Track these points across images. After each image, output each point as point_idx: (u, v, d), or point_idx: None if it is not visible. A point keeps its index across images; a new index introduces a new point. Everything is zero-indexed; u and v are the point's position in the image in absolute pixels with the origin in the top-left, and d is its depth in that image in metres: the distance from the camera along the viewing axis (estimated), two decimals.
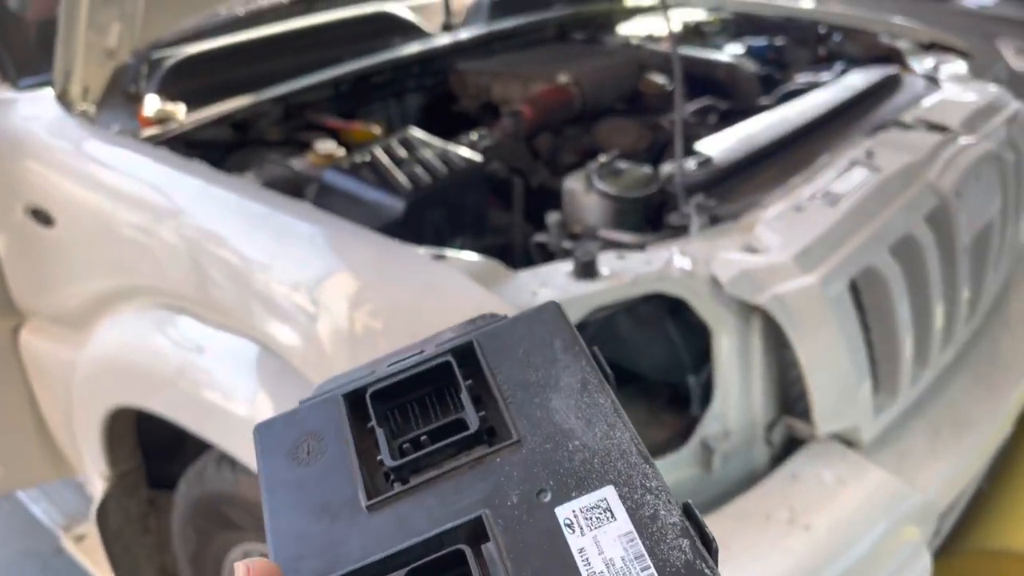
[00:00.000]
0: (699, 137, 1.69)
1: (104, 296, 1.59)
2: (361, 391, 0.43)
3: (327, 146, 1.67)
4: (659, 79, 2.07)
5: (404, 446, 0.41)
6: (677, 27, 2.42)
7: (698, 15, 2.60)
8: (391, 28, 2.26)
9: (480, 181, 1.62)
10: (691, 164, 1.53)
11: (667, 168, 1.54)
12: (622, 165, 1.57)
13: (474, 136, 1.79)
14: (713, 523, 1.35)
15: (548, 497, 0.38)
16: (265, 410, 1.35)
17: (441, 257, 1.27)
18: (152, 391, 1.51)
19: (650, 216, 1.54)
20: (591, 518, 0.37)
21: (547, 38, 2.37)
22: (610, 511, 0.37)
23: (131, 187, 1.52)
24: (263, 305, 1.35)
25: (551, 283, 1.27)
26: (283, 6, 2.15)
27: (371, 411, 0.42)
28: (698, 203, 1.41)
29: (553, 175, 1.78)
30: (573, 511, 0.37)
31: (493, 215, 1.68)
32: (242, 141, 1.81)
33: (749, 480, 1.42)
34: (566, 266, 1.30)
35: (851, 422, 1.40)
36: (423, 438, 0.41)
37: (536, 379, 0.43)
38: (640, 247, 1.38)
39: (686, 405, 1.48)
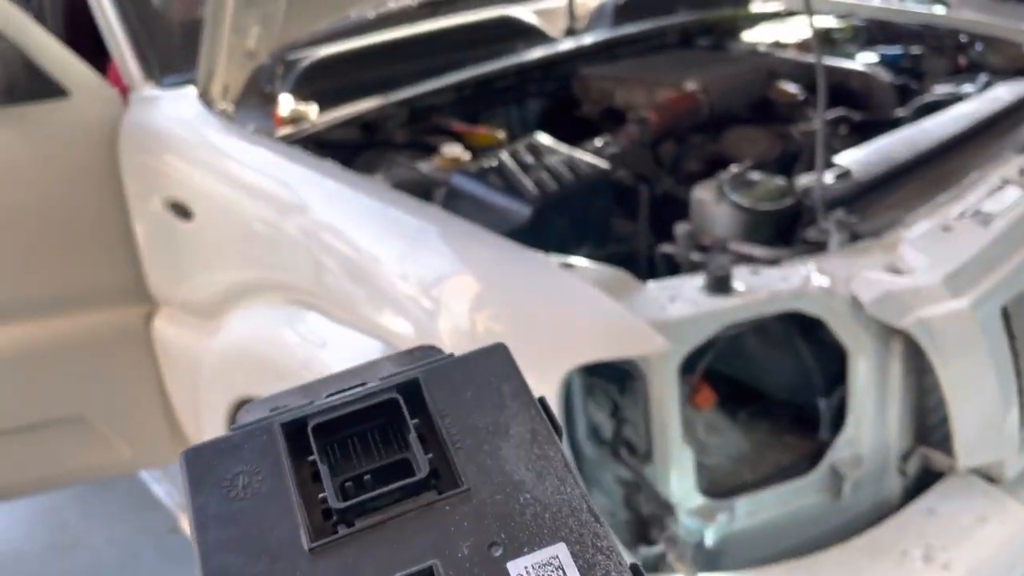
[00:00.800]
0: (832, 149, 1.62)
1: (236, 289, 1.64)
2: (301, 422, 0.41)
3: (453, 150, 1.68)
4: (790, 87, 2.01)
5: (346, 484, 0.39)
6: (808, 34, 2.34)
7: (828, 22, 2.51)
8: (515, 33, 2.27)
9: (606, 188, 1.60)
10: (829, 177, 1.48)
11: (804, 180, 1.49)
12: (755, 176, 1.52)
13: (599, 143, 1.78)
14: (843, 555, 1.30)
15: (500, 551, 0.37)
16: None
17: (569, 266, 1.25)
18: (278, 383, 1.55)
19: (782, 230, 1.49)
20: (543, 575, 0.36)
21: (671, 44, 2.33)
22: (562, 569, 0.36)
23: (267, 185, 1.57)
24: (386, 302, 1.37)
25: (681, 297, 1.24)
26: (410, 10, 2.18)
27: (313, 445, 0.40)
28: (838, 219, 1.35)
29: (677, 184, 1.75)
30: (525, 567, 0.36)
31: (616, 223, 1.66)
32: (370, 142, 1.84)
33: (878, 511, 1.35)
34: (697, 280, 1.26)
35: (995, 456, 1.32)
36: (366, 478, 0.39)
37: (484, 425, 0.41)
38: (774, 262, 1.33)
39: (812, 428, 1.43)
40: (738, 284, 1.23)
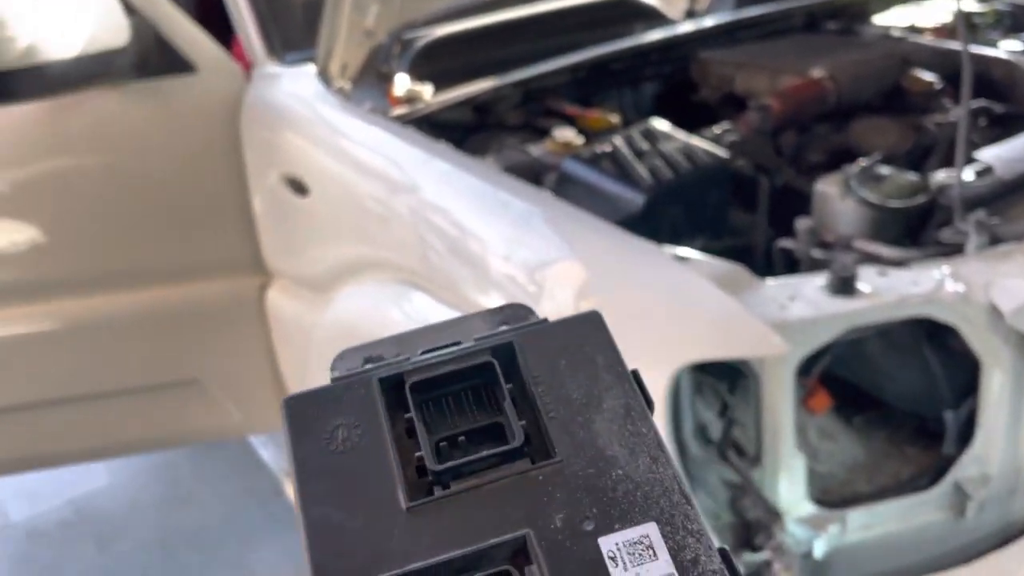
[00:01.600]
0: (972, 143, 1.51)
1: (346, 265, 1.67)
2: (398, 378, 0.41)
3: (566, 134, 1.65)
4: (926, 76, 1.89)
5: (440, 445, 0.39)
6: (947, 19, 2.19)
7: (970, 5, 2.34)
8: (632, 14, 2.21)
9: (724, 178, 1.54)
10: (969, 174, 1.38)
11: (940, 176, 1.39)
12: (885, 170, 1.44)
13: (718, 130, 1.71)
14: None
15: (591, 526, 0.36)
16: None
17: (683, 258, 1.21)
18: None
19: (912, 229, 1.40)
20: (634, 553, 0.35)
21: (796, 27, 2.22)
22: (652, 549, 0.35)
23: (379, 164, 1.58)
24: (489, 285, 1.36)
25: (802, 297, 1.18)
26: None
27: (410, 403, 0.40)
28: (978, 219, 1.26)
29: (799, 176, 1.67)
30: (616, 544, 0.36)
31: (732, 215, 1.60)
32: (481, 124, 1.83)
33: (1005, 534, 1.27)
34: (819, 279, 1.20)
35: None
36: (460, 439, 0.40)
37: (578, 396, 0.40)
38: (903, 264, 1.25)
39: (935, 440, 1.34)
40: (863, 285, 1.17)
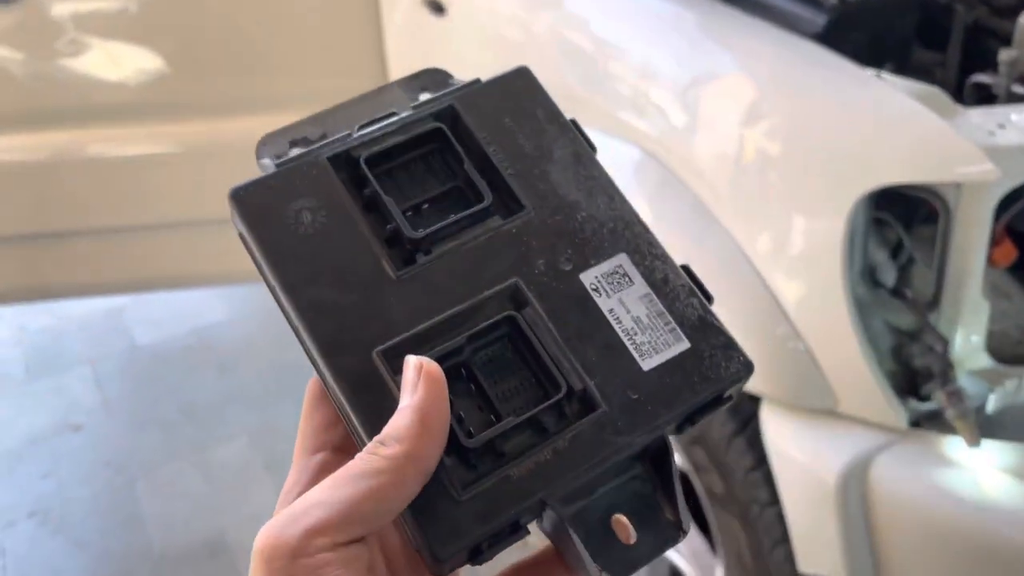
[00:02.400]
0: None
1: None
2: (346, 155, 0.40)
3: None
4: None
5: (407, 215, 0.40)
6: None
7: None
8: None
9: (914, 6, 1.38)
10: None
11: None
12: None
13: None
14: None
15: (570, 266, 0.39)
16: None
17: (879, 75, 1.09)
18: None
19: None
20: (612, 282, 0.39)
21: None
22: (627, 276, 0.39)
23: None
24: (644, 105, 1.27)
25: (1012, 125, 1.04)
26: None
27: (369, 177, 0.40)
28: None
29: (992, 14, 1.49)
30: (595, 277, 0.39)
31: (916, 52, 1.44)
32: None
33: None
34: None
35: None
36: (424, 207, 0.41)
37: (529, 150, 0.42)
38: None
39: None
40: None
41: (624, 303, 0.39)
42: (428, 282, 0.38)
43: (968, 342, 1.10)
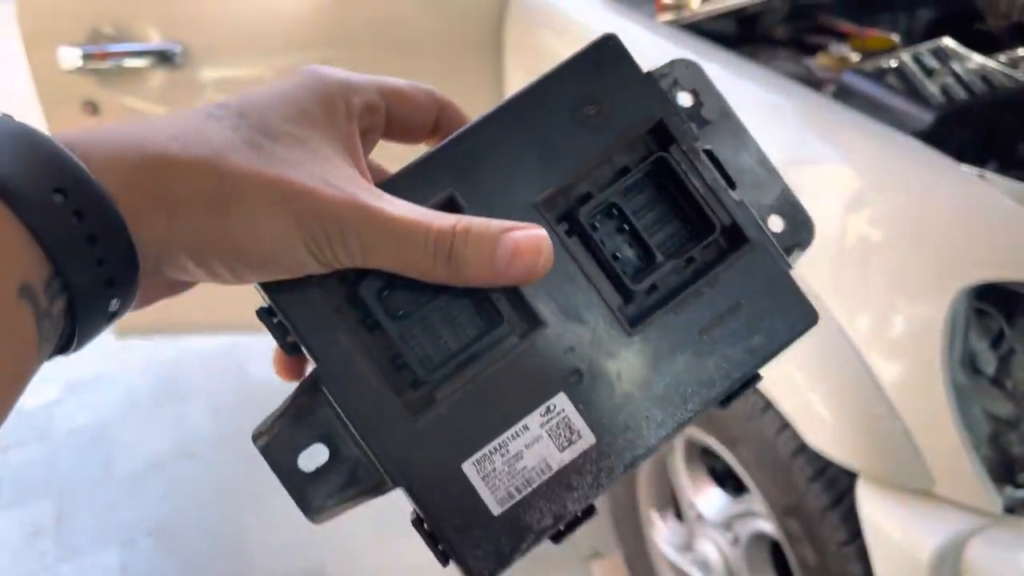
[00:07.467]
0: None
1: None
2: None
3: (841, 49, 1.59)
4: None
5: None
6: None
7: None
8: None
9: (1019, 104, 1.43)
10: None
11: None
12: None
13: (1021, 51, 1.59)
14: None
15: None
16: None
17: (982, 175, 1.15)
18: None
19: None
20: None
21: None
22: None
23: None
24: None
25: None
26: None
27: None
28: None
29: None
30: None
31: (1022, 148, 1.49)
32: (746, 36, 1.79)
33: None
34: None
35: None
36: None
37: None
38: None
39: None
40: None
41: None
42: None
43: None
